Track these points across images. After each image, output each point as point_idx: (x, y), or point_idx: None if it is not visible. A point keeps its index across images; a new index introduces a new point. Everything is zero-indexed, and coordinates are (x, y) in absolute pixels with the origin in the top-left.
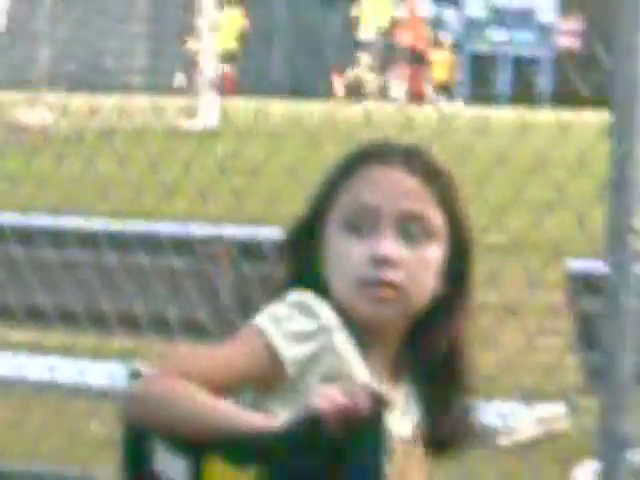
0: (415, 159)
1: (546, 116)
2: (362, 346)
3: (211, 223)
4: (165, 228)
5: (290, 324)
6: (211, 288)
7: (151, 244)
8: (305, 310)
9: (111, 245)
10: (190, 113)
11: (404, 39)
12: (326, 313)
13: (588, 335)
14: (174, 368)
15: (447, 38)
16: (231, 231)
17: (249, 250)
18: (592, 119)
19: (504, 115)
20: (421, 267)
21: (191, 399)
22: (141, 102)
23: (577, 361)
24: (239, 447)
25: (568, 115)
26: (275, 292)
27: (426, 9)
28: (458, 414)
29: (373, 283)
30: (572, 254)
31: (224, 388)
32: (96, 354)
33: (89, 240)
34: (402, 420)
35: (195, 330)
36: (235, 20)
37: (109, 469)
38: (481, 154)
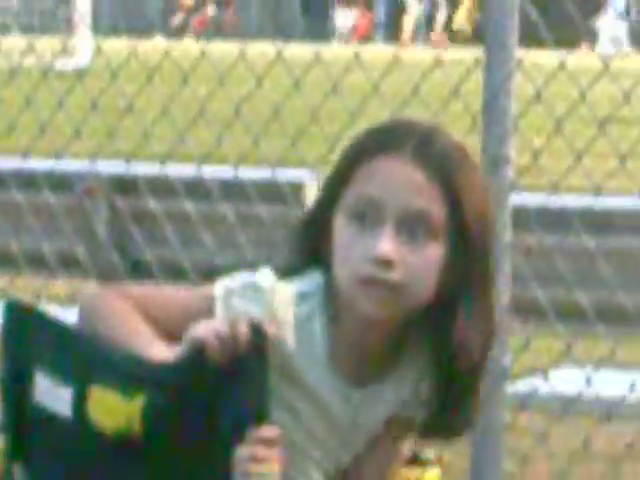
0: (427, 148)
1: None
2: (341, 338)
3: (85, 159)
4: (41, 165)
5: (237, 302)
6: (86, 224)
7: (25, 181)
8: (257, 294)
9: None
10: (66, 52)
11: None
12: (275, 303)
13: None
14: (126, 291)
15: None
16: (105, 167)
17: (123, 186)
18: (468, 54)
19: (381, 50)
20: (421, 266)
21: (123, 320)
22: (17, 41)
23: None
24: (127, 375)
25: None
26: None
27: None
28: (466, 409)
29: (370, 282)
30: None
31: (162, 325)
32: None
33: None
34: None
35: (72, 266)
36: None
37: None
38: (355, 87)
